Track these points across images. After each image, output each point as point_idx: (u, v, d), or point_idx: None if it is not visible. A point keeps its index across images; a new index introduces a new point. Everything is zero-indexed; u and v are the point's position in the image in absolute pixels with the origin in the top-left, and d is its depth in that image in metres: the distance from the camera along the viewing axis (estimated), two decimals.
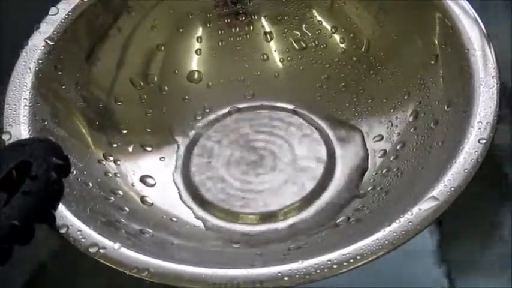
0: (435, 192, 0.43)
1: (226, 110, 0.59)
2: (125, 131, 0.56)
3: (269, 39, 0.60)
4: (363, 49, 0.58)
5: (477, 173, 0.44)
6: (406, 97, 0.54)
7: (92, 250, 0.43)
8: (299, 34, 0.60)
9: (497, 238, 0.53)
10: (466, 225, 0.53)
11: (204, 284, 0.41)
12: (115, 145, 0.55)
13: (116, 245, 0.43)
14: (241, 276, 0.41)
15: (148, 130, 0.57)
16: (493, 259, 0.52)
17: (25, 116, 0.49)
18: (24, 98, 0.50)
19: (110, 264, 0.42)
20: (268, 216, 0.53)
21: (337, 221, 0.51)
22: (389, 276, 0.50)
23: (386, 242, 0.41)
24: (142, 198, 0.53)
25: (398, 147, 0.53)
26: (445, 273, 0.52)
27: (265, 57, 0.60)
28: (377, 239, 0.41)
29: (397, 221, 0.42)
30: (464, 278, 0.52)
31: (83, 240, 0.43)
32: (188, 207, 0.54)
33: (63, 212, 0.44)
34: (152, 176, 0.54)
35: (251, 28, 0.60)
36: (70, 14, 0.54)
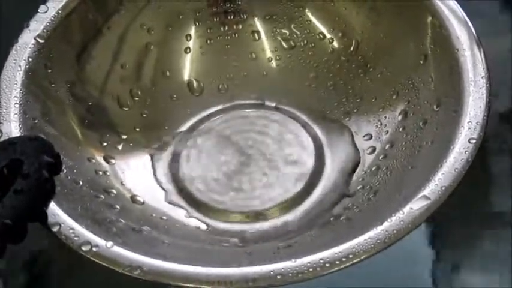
0: (426, 192, 0.43)
1: (215, 109, 0.59)
2: (115, 130, 0.56)
3: (258, 38, 0.60)
4: (351, 48, 0.58)
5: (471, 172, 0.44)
6: (394, 97, 0.54)
7: (84, 248, 0.43)
8: (288, 33, 0.60)
9: (496, 237, 0.53)
10: (465, 224, 0.53)
11: (197, 282, 0.41)
12: (105, 143, 0.54)
13: (109, 243, 0.43)
14: (235, 274, 0.41)
15: (138, 129, 0.57)
16: (492, 258, 0.53)
17: (16, 114, 0.49)
18: (15, 96, 0.50)
19: (102, 263, 0.42)
20: (257, 215, 0.53)
21: (327, 220, 0.51)
22: (386, 277, 0.51)
23: (378, 240, 0.42)
24: (133, 197, 0.52)
25: (387, 147, 0.53)
26: (443, 274, 0.53)
27: (253, 55, 0.60)
28: (369, 238, 0.42)
29: (388, 220, 0.42)
30: (463, 277, 0.52)
31: (75, 238, 0.43)
32: (178, 206, 0.54)
33: (55, 210, 0.44)
34: (142, 175, 0.54)
35: (240, 27, 0.60)
36: (60, 11, 0.54)
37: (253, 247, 0.50)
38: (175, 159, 0.56)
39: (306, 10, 0.59)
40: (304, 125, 0.57)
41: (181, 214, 0.53)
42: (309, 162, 0.55)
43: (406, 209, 0.43)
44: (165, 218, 0.52)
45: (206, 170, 0.55)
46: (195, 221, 0.53)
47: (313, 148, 0.56)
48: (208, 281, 0.41)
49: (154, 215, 0.52)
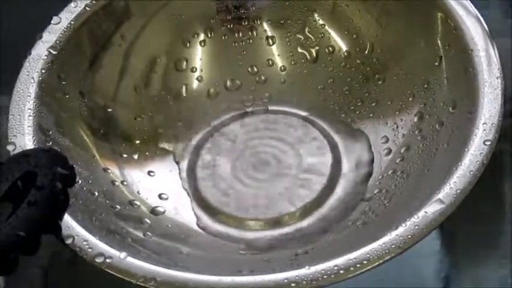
0: (441, 195, 0.43)
1: (230, 116, 0.58)
2: (129, 139, 0.56)
3: (272, 43, 0.60)
4: (366, 52, 0.57)
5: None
6: (410, 99, 0.54)
7: (98, 260, 0.43)
8: (302, 38, 0.59)
9: (497, 237, 0.53)
10: (467, 224, 0.53)
11: None
12: (120, 154, 0.55)
13: (123, 254, 0.43)
14: (248, 283, 0.41)
15: (154, 137, 0.57)
16: (493, 258, 0.52)
17: (29, 126, 0.49)
18: (28, 108, 0.50)
19: (116, 274, 0.42)
20: (274, 222, 0.52)
21: (344, 225, 0.51)
22: (388, 275, 0.50)
23: (393, 246, 0.41)
24: (149, 207, 0.52)
25: (403, 150, 0.53)
26: (445, 273, 0.52)
27: (269, 62, 0.60)
28: (383, 243, 0.41)
29: (403, 224, 0.42)
30: (465, 276, 0.52)
31: (89, 250, 0.43)
32: (194, 214, 0.54)
33: (69, 222, 0.44)
34: (158, 184, 0.54)
35: (254, 33, 0.60)
36: (72, 22, 0.54)
37: (270, 254, 0.50)
38: (191, 166, 0.56)
39: (319, 14, 0.59)
40: (321, 130, 0.57)
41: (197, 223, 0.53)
42: (326, 167, 0.55)
43: (421, 213, 0.42)
44: (181, 227, 0.52)
45: (222, 177, 0.55)
46: (212, 230, 0.52)
47: (330, 153, 0.55)
48: None
49: (169, 225, 0.52)
